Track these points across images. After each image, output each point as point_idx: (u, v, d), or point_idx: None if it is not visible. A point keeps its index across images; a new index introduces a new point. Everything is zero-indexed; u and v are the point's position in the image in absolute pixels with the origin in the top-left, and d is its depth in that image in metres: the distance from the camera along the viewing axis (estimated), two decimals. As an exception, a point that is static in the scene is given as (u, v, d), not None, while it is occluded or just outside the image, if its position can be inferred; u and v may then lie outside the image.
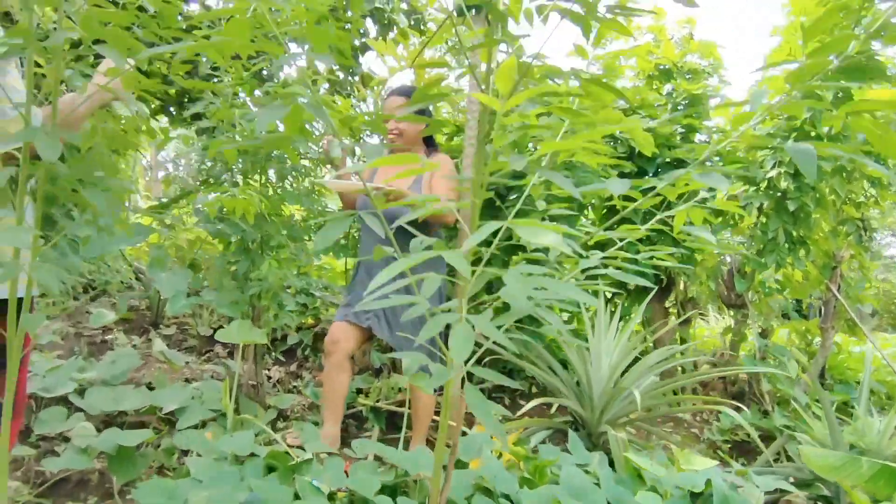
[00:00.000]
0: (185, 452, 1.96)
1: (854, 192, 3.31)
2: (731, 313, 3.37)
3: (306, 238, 2.47)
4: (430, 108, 2.32)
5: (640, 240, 3.15)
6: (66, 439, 2.00)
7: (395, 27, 4.23)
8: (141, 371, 2.82)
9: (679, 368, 3.48)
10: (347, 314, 2.15)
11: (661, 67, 3.47)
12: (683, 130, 3.34)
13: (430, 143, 2.29)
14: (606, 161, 0.96)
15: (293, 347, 3.40)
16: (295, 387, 2.89)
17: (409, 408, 2.23)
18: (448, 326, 0.73)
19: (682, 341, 3.55)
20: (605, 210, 3.42)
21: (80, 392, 2.16)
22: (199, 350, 3.39)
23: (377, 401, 2.49)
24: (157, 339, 2.92)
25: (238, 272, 2.31)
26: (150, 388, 2.48)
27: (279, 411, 2.49)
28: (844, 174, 3.02)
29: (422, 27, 4.31)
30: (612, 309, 3.97)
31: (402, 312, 2.06)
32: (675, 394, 3.17)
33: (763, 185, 3.16)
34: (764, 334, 3.28)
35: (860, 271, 3.52)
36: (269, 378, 2.93)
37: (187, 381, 2.83)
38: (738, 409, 2.64)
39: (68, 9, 1.04)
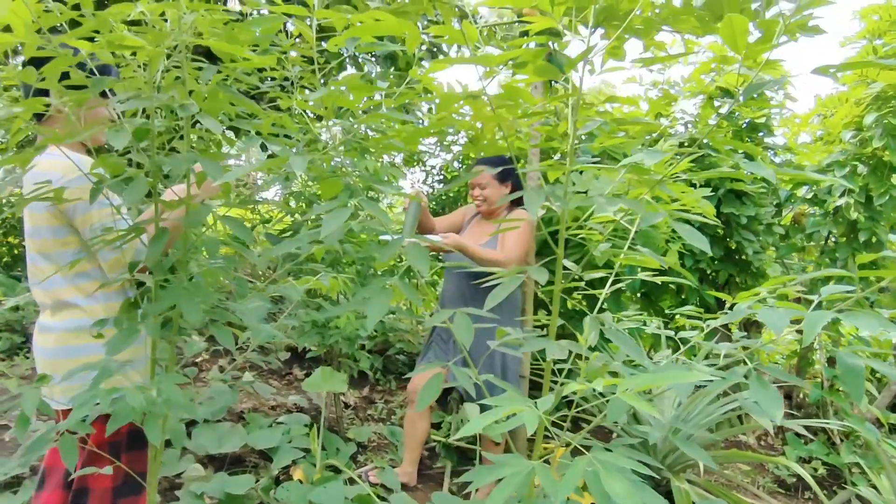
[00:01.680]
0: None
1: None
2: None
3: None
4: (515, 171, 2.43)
5: (697, 260, 3.17)
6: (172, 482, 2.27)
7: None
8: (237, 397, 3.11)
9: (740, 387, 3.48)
10: (429, 357, 2.31)
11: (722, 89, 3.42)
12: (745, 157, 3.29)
13: (518, 204, 2.38)
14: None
15: (364, 372, 3.62)
16: (370, 415, 3.10)
17: (481, 445, 2.39)
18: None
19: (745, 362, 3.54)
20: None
21: (187, 433, 2.43)
22: (279, 373, 3.67)
23: (447, 435, 2.66)
24: (247, 371, 3.20)
25: (318, 321, 2.51)
26: (243, 418, 2.74)
27: (358, 444, 2.71)
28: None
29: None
30: (672, 326, 4.00)
31: (478, 359, 2.18)
32: (739, 419, 3.19)
33: (830, 207, 3.10)
34: (832, 363, 3.23)
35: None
36: (346, 406, 3.15)
37: (273, 409, 3.10)
38: (801, 437, 2.65)
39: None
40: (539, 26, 1.14)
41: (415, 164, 4.38)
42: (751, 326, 3.53)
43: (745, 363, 0.87)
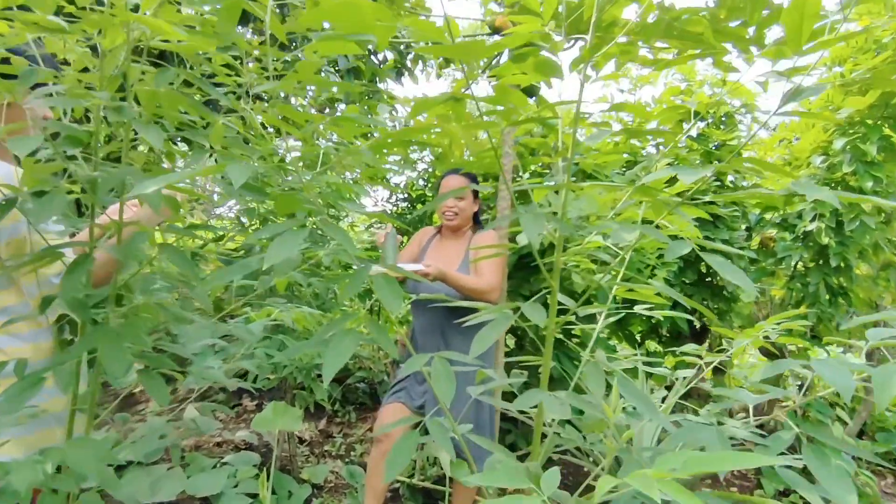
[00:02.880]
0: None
1: (893, 237, 3.22)
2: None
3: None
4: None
5: (671, 284, 3.09)
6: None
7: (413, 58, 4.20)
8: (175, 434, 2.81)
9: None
10: (399, 395, 2.11)
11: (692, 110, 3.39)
12: (717, 180, 3.26)
13: (477, 221, 2.26)
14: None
15: (320, 402, 3.37)
16: (327, 451, 2.86)
17: (450, 486, 2.19)
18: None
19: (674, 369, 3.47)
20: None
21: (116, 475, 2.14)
22: (227, 402, 3.38)
23: (411, 475, 2.45)
24: (191, 406, 2.91)
25: (272, 346, 2.28)
26: (184, 460, 2.46)
27: (313, 486, 2.46)
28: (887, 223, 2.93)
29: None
30: (642, 352, 3.90)
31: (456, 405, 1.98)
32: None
33: (800, 232, 3.08)
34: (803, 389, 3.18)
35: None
36: (301, 441, 2.90)
37: (218, 445, 2.81)
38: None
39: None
40: (525, 28, 0.98)
41: (378, 181, 4.21)
42: (722, 351, 3.46)
43: (790, 425, 0.72)
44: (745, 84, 3.41)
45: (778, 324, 1.20)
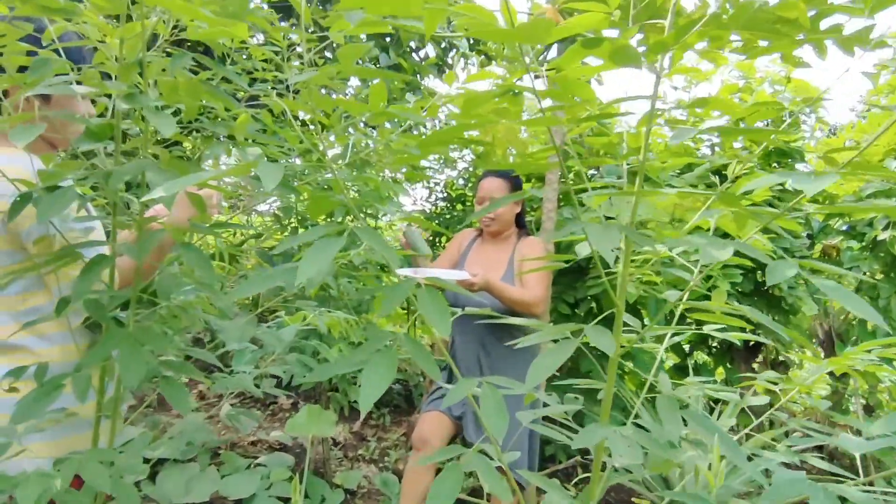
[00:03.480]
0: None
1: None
2: (830, 382, 3.07)
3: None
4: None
5: (729, 295, 2.90)
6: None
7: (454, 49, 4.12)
8: (212, 429, 2.80)
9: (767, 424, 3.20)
10: (438, 402, 2.04)
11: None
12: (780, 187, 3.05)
13: (521, 224, 2.15)
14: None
15: (355, 402, 3.33)
16: (360, 455, 2.81)
17: (487, 500, 2.09)
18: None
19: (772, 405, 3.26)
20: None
21: (152, 476, 2.13)
22: (263, 401, 3.37)
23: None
24: (226, 403, 2.91)
25: (305, 350, 2.24)
26: (218, 458, 2.45)
27: (346, 491, 2.41)
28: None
29: (480, 47, 4.19)
30: (691, 363, 3.71)
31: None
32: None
33: (868, 240, 2.85)
34: (869, 409, 2.96)
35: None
36: (335, 443, 2.86)
37: (253, 444, 2.80)
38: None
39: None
40: (591, 18, 0.88)
41: (418, 179, 4.14)
42: (778, 366, 3.26)
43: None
44: (810, 82, 3.19)
45: (869, 350, 1.06)
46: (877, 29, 0.71)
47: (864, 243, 2.82)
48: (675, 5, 0.72)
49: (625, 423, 0.89)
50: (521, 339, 0.81)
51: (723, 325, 1.09)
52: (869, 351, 1.05)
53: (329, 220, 2.48)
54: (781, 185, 3.02)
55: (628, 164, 1.00)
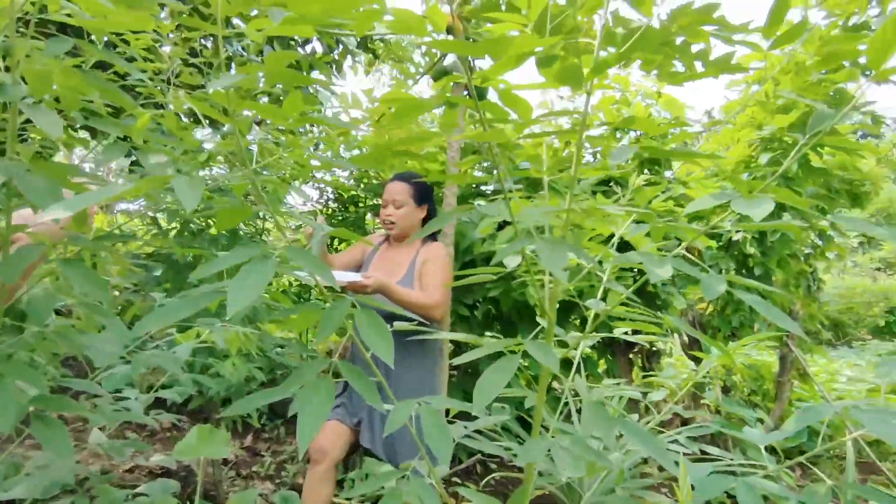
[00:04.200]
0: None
1: (802, 246, 3.45)
2: (694, 365, 3.42)
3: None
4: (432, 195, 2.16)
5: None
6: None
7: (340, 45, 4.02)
8: (79, 457, 2.48)
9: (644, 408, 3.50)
10: (337, 412, 1.98)
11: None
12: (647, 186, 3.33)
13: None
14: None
15: (248, 416, 3.13)
16: (255, 472, 2.64)
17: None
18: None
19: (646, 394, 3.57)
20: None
21: (6, 520, 1.84)
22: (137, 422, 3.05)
23: (349, 498, 2.31)
24: (96, 428, 2.58)
25: (195, 367, 2.06)
26: (89, 492, 2.17)
27: (241, 513, 2.25)
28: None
29: (368, 45, 4.13)
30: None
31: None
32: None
33: (724, 242, 3.22)
34: (726, 390, 3.34)
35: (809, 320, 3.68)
36: (225, 462, 2.66)
37: (129, 472, 2.52)
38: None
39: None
40: (505, 28, 0.89)
41: (306, 180, 3.99)
42: (652, 356, 3.57)
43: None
44: (677, 98, 3.52)
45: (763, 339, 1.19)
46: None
47: (721, 244, 3.17)
48: (603, 27, 0.75)
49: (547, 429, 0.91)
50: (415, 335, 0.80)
51: (626, 329, 1.17)
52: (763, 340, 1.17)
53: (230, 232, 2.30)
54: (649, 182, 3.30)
55: (550, 177, 1.03)
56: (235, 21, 2.63)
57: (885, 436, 0.55)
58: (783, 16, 0.80)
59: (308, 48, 4.15)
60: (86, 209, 0.82)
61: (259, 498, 2.41)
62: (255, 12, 0.73)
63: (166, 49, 1.40)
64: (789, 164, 0.77)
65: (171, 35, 1.32)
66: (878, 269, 13.05)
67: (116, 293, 2.66)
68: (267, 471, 2.64)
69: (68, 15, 0.76)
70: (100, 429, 2.71)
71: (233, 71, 3.48)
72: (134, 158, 2.55)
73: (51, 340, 0.98)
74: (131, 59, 1.46)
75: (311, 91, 3.41)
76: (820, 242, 3.56)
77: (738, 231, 3.02)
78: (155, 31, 1.07)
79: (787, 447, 3.58)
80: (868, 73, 0.62)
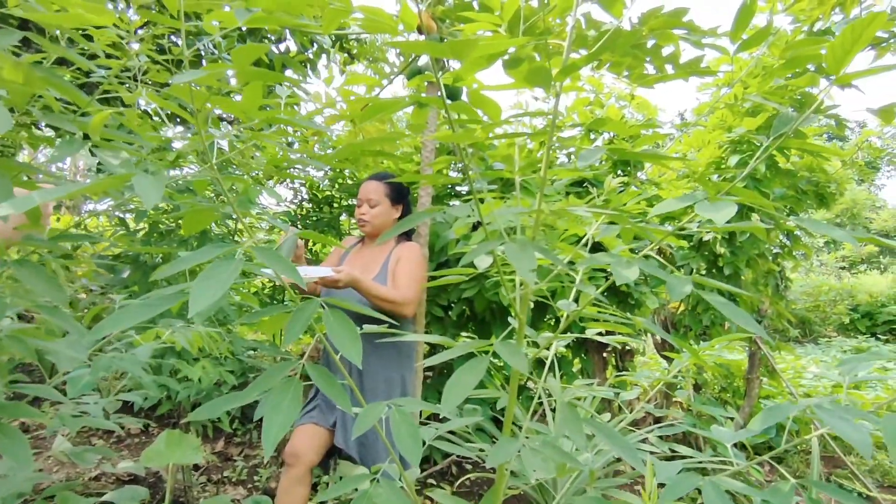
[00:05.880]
0: None
1: (771, 246, 3.54)
2: (666, 364, 3.47)
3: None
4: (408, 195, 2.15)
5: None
6: None
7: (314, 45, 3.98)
8: (41, 465, 2.41)
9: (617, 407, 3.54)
10: (312, 414, 1.95)
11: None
12: (622, 188, 3.38)
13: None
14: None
15: (218, 420, 3.07)
16: (226, 477, 2.59)
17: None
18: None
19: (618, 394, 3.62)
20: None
21: (-37, 533, 1.77)
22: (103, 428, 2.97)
23: (323, 502, 2.28)
24: (60, 434, 2.51)
25: (163, 369, 2.01)
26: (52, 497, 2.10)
27: (212, 519, 2.21)
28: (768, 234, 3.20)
29: (343, 44, 4.11)
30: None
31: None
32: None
33: (695, 241, 3.28)
34: (697, 388, 3.40)
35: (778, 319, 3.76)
36: (196, 467, 2.61)
37: (95, 479, 2.46)
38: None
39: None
40: (477, 27, 0.89)
41: (281, 180, 3.94)
42: (625, 354, 3.61)
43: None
44: (649, 100, 3.57)
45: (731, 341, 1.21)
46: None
47: (692, 244, 3.22)
48: (573, 29, 0.75)
49: (520, 428, 0.91)
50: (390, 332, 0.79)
51: (598, 330, 1.17)
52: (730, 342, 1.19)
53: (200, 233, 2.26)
54: (623, 183, 3.34)
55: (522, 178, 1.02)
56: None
57: (844, 434, 0.56)
58: (749, 20, 0.82)
59: (282, 46, 4.10)
60: (39, 208, 0.79)
61: (231, 503, 2.36)
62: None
63: (135, 46, 1.36)
64: (754, 165, 0.79)
65: (139, 31, 1.29)
66: (843, 269, 13.47)
67: (83, 296, 2.58)
68: (239, 476, 2.60)
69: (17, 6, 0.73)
70: (64, 435, 2.63)
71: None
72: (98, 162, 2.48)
73: (5, 345, 0.95)
74: (93, 56, 1.42)
75: (289, 89, 3.37)
76: (788, 242, 3.65)
77: (707, 232, 3.07)
78: (116, 26, 1.04)
79: (756, 443, 3.66)
80: (830, 77, 0.63)
